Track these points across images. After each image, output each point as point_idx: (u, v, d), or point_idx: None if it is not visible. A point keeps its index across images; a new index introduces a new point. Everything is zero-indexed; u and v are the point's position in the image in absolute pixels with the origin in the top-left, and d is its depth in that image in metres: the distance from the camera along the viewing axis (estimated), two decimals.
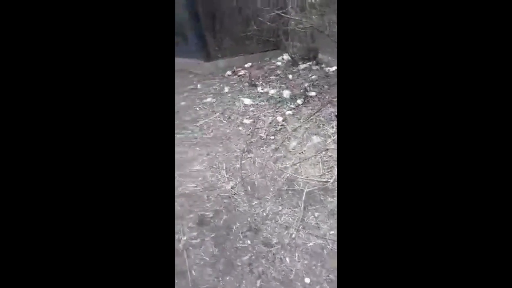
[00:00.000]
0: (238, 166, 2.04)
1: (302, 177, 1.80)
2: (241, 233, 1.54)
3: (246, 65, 4.01)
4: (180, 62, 5.21)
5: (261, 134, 2.34)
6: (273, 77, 3.29)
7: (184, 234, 1.59)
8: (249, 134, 2.38)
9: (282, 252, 1.39)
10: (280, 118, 2.45)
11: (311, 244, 1.41)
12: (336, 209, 1.55)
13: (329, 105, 2.45)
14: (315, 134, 2.14)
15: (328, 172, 1.78)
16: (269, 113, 2.62)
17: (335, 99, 2.51)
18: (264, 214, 1.62)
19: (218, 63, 4.23)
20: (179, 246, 1.52)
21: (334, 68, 3.07)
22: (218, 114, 2.86)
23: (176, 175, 2.11)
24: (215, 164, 2.10)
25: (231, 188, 1.85)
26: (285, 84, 3.10)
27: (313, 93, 2.73)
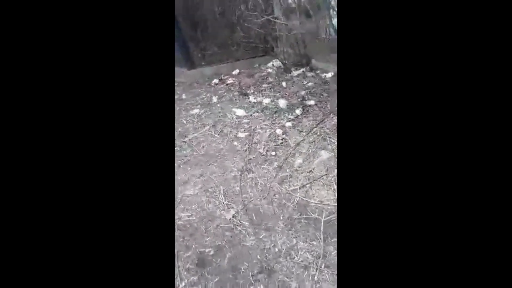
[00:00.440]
0: (237, 188, 1.76)
1: (315, 202, 1.56)
2: (252, 275, 1.26)
3: (233, 72, 3.76)
4: None
5: (260, 150, 2.08)
6: (265, 85, 3.06)
7: (182, 279, 1.29)
8: (246, 150, 2.11)
9: None
10: (279, 131, 2.21)
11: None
12: None
13: (332, 115, 2.25)
14: (323, 149, 1.92)
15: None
16: (265, 125, 2.37)
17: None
18: (276, 249, 1.36)
19: (203, 70, 3.94)
20: None
21: (331, 74, 2.90)
22: (208, 127, 2.57)
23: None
24: (211, 187, 1.81)
25: (233, 217, 1.57)
26: (279, 92, 2.88)
27: (312, 102, 2.52)
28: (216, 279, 1.27)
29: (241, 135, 2.30)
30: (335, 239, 1.36)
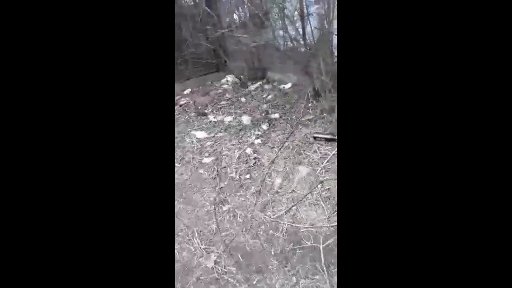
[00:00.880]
0: (214, 226, 1.48)
1: (306, 226, 1.37)
2: None
3: (185, 92, 3.46)
4: None
5: (231, 174, 1.83)
6: (223, 103, 2.84)
7: None
8: (215, 178, 1.84)
9: None
10: (249, 150, 2.00)
11: None
12: None
13: (300, 126, 2.13)
14: (299, 164, 1.76)
15: (336, 211, 1.40)
16: (232, 145, 2.14)
17: (304, 118, 2.22)
18: None
19: None
20: None
21: (289, 85, 2.83)
22: None
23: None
24: (181, 231, 1.49)
25: (215, 264, 1.28)
26: (239, 108, 2.69)
27: (276, 115, 2.38)
28: None
29: (207, 160, 2.02)
30: None
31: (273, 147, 2.00)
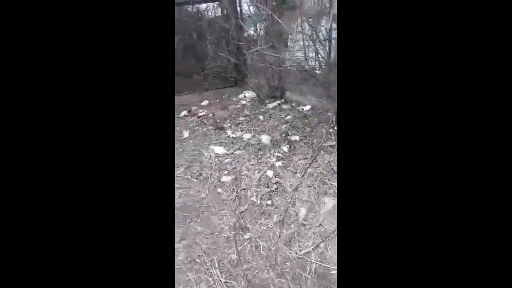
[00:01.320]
0: (234, 256, 1.35)
1: (336, 268, 1.24)
2: None
3: (202, 103, 3.38)
4: None
5: (252, 198, 1.71)
6: (242, 119, 2.75)
7: None
8: (234, 199, 1.72)
9: None
10: (270, 173, 1.89)
11: None
12: None
13: (322, 153, 2.02)
14: (325, 194, 1.64)
15: None
16: (252, 165, 2.03)
17: (326, 144, 2.12)
18: None
19: None
20: None
21: (308, 107, 2.75)
22: (182, 169, 2.11)
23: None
24: (198, 257, 1.35)
25: None
26: (258, 126, 2.59)
27: (296, 138, 2.28)
28: None
29: (226, 179, 1.91)
30: None
31: (295, 172, 1.88)
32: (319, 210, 1.55)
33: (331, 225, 1.46)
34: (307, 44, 2.25)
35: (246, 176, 1.91)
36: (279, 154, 2.09)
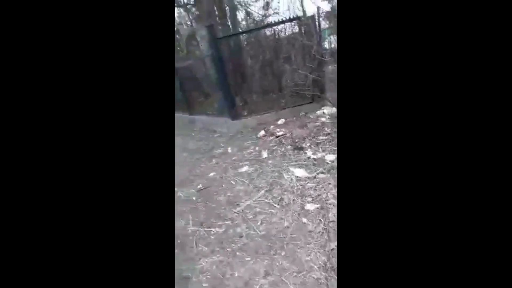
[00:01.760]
0: None
1: None
2: None
3: (279, 122, 3.34)
4: (202, 120, 4.66)
5: None
6: (322, 138, 2.54)
7: None
8: (322, 233, 1.52)
9: None
10: None
11: None
12: None
13: None
14: None
15: None
16: None
17: None
18: None
19: (246, 121, 3.59)
20: None
21: None
22: (263, 192, 2.05)
23: None
24: None
25: None
26: None
27: None
28: None
29: (310, 207, 1.73)
30: None
31: None
32: None
33: None
34: None
35: (334, 205, 1.68)
36: None
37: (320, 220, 1.59)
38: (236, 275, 1.40)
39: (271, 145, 2.75)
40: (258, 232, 1.65)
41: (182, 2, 6.49)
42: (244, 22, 6.82)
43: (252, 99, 3.68)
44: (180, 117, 4.84)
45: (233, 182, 2.31)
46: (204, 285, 1.39)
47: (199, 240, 1.73)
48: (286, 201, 1.86)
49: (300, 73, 3.25)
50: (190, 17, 6.96)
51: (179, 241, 1.75)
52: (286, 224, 1.66)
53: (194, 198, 2.23)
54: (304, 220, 1.64)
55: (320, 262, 1.33)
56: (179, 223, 1.94)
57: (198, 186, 2.42)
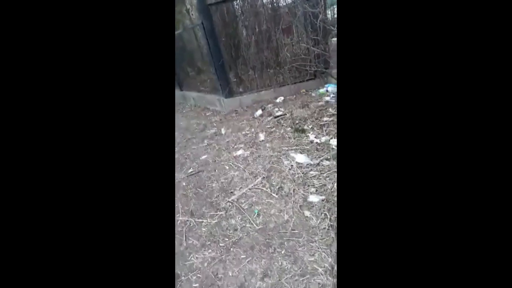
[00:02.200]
0: None
1: None
2: None
3: (277, 101, 3.07)
4: (194, 96, 4.34)
5: None
6: (326, 119, 2.32)
7: None
8: (327, 229, 1.35)
9: None
10: None
11: None
12: None
13: None
14: None
15: None
16: None
17: None
18: None
19: (241, 99, 3.31)
20: None
21: None
22: (260, 179, 1.85)
23: None
24: None
25: None
26: None
27: None
28: None
29: (313, 198, 1.55)
30: None
31: None
32: None
33: None
34: None
35: None
36: None
37: (326, 215, 1.41)
38: (230, 274, 1.24)
39: (268, 126, 2.51)
40: (254, 225, 1.48)
41: None
42: None
43: (247, 74, 3.37)
44: None
45: (227, 167, 2.11)
46: (194, 285, 1.24)
47: (189, 232, 1.56)
48: (285, 190, 1.67)
49: (301, 45, 2.94)
50: None
51: None
52: (286, 217, 1.48)
53: (184, 184, 2.03)
54: (307, 213, 1.47)
55: (326, 265, 1.17)
56: None
57: (189, 171, 2.21)
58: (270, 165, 1.98)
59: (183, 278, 1.29)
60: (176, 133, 3.11)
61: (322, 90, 2.85)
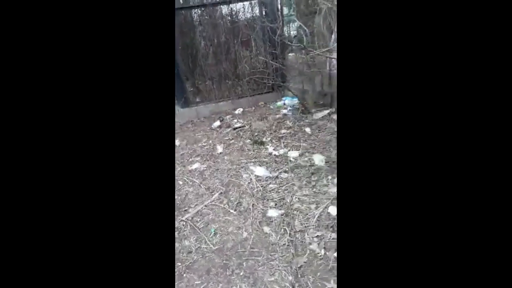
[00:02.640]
0: None
1: None
2: None
3: (236, 112, 3.04)
4: None
5: (311, 247, 1.28)
6: (284, 131, 2.34)
7: None
8: (288, 245, 1.31)
9: None
10: (333, 209, 1.45)
11: None
12: None
13: None
14: None
15: None
16: (305, 196, 1.60)
17: None
18: None
19: (198, 109, 3.19)
20: None
21: None
22: (217, 195, 1.75)
23: None
24: None
25: None
26: (305, 141, 2.17)
27: None
28: None
29: (273, 213, 1.50)
30: None
31: None
32: None
33: None
34: None
35: (299, 211, 1.49)
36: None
37: (285, 230, 1.38)
38: None
39: (227, 138, 2.44)
40: (210, 245, 1.37)
41: None
42: None
43: (205, 85, 3.28)
44: None
45: (181, 182, 1.95)
46: None
47: None
48: (244, 205, 1.60)
49: (260, 59, 2.99)
50: None
51: None
52: (245, 234, 1.40)
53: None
54: (266, 229, 1.41)
55: (287, 284, 1.12)
56: None
57: None
58: (228, 179, 1.90)
59: None
60: None
61: (279, 103, 2.91)
